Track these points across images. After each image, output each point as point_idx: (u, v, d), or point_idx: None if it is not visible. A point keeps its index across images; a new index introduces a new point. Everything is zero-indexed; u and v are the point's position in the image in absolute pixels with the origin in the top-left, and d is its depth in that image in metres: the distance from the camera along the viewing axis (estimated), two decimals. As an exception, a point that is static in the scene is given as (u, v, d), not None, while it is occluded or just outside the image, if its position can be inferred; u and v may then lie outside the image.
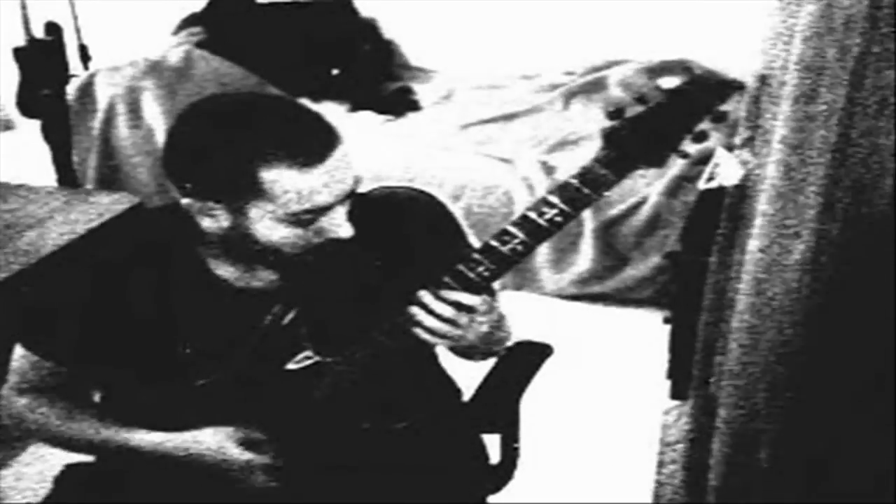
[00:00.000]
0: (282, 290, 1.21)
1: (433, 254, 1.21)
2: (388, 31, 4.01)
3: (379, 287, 1.22)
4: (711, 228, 1.75)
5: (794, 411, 1.48)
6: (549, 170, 3.04)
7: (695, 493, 1.85)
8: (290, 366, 1.20)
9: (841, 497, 1.49)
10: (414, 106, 3.62)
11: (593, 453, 2.24)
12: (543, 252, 2.96)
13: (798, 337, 1.43)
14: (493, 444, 1.44)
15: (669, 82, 1.11)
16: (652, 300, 2.86)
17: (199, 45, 3.66)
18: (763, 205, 1.40)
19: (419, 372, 1.35)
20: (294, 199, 1.08)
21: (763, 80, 1.53)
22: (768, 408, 1.50)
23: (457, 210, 1.34)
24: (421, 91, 3.74)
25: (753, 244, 1.44)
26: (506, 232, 1.11)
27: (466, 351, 1.27)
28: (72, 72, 3.38)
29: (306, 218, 1.10)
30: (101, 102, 3.37)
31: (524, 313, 1.32)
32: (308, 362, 1.20)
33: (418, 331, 1.15)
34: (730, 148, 1.72)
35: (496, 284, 1.25)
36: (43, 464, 2.10)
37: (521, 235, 1.11)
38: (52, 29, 3.25)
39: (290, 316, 1.20)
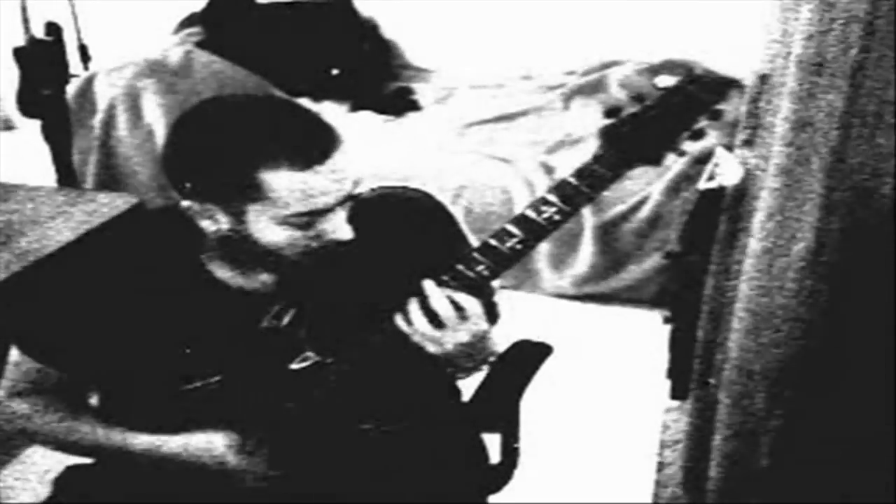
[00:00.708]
0: (281, 291, 1.21)
1: (433, 254, 1.20)
2: (388, 31, 4.01)
3: (378, 287, 1.22)
4: (711, 228, 1.75)
5: (794, 411, 1.48)
6: (549, 170, 3.04)
7: (695, 493, 1.85)
8: (290, 367, 1.20)
9: (841, 497, 1.49)
10: (414, 106, 3.62)
11: (593, 453, 2.24)
12: (543, 252, 2.96)
13: (798, 337, 1.43)
14: (493, 444, 1.44)
15: (666, 81, 1.11)
16: (652, 300, 2.86)
17: (199, 45, 3.66)
18: (763, 205, 1.40)
19: (419, 372, 1.34)
20: (294, 201, 1.08)
21: (763, 79, 1.53)
22: (768, 408, 1.50)
23: (457, 210, 1.34)
24: (421, 91, 3.74)
25: (753, 244, 1.43)
26: (504, 231, 1.11)
27: (445, 358, 1.22)
28: (72, 72, 3.38)
29: (306, 220, 1.10)
30: (101, 102, 3.37)
31: (524, 313, 1.31)
32: (307, 363, 1.20)
33: (401, 323, 1.14)
34: (730, 148, 1.72)
35: (496, 283, 1.25)
36: (43, 464, 2.10)
37: (519, 234, 1.11)
38: (52, 29, 3.25)
39: (288, 317, 1.20)
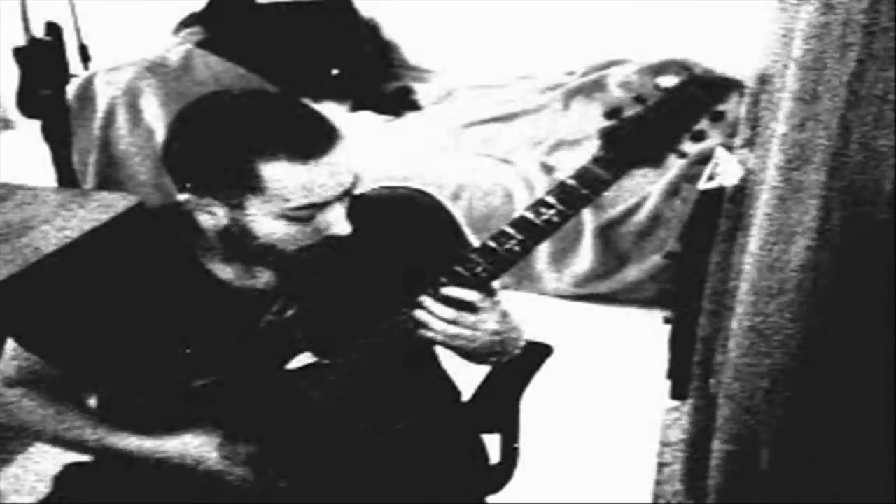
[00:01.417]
0: (279, 290, 1.21)
1: (433, 254, 1.20)
2: (388, 31, 4.01)
3: (378, 287, 1.22)
4: (711, 228, 1.75)
5: (794, 411, 1.48)
6: (549, 170, 3.04)
7: (695, 493, 1.85)
8: (289, 366, 1.20)
9: (841, 497, 1.49)
10: (414, 106, 3.62)
11: (593, 453, 2.24)
12: (543, 252, 2.96)
13: (798, 337, 1.43)
14: (493, 444, 1.44)
15: (667, 81, 1.11)
16: (652, 300, 2.86)
17: (199, 45, 3.66)
18: (763, 205, 1.40)
19: (418, 372, 1.34)
20: (293, 194, 1.08)
21: (763, 80, 1.53)
22: (768, 408, 1.50)
23: (457, 210, 1.34)
24: (421, 91, 3.74)
25: (753, 244, 1.43)
26: (503, 233, 1.11)
27: (479, 353, 1.21)
28: (72, 72, 3.38)
29: (305, 214, 1.10)
30: (101, 102, 3.36)
31: (524, 313, 1.31)
32: (306, 363, 1.20)
33: (429, 334, 1.14)
34: (730, 148, 1.72)
35: (496, 284, 1.25)
36: (43, 464, 2.10)
37: (518, 236, 1.11)
38: (52, 29, 3.25)
39: (287, 316, 1.20)
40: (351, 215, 1.15)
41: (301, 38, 3.75)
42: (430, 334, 1.15)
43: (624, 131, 1.10)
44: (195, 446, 1.22)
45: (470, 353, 1.21)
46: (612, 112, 1.10)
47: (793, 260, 1.38)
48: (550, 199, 1.10)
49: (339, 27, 3.84)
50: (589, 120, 3.30)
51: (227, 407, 1.22)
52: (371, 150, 3.11)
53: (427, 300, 1.13)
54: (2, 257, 2.11)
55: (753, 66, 1.58)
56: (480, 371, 1.42)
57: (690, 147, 1.13)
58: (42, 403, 1.27)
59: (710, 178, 1.71)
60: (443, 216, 1.32)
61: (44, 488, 1.35)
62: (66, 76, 3.33)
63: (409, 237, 1.27)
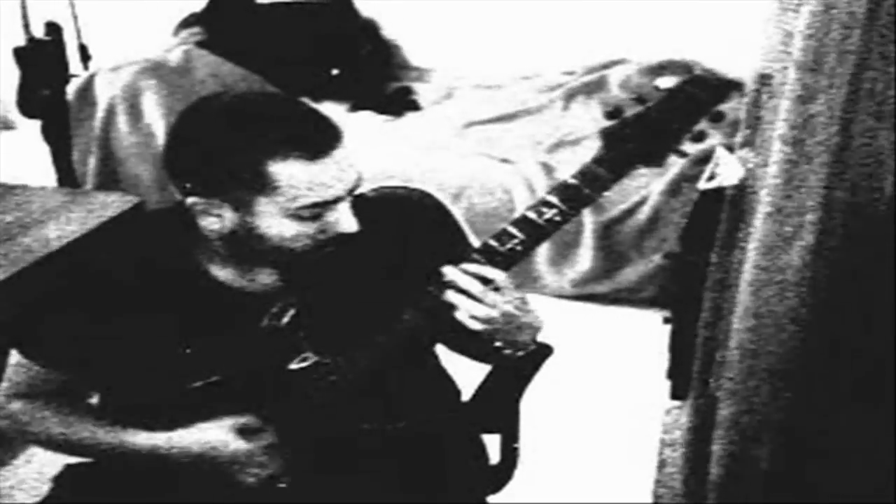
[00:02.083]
0: (280, 291, 1.21)
1: (433, 254, 1.20)
2: (388, 31, 4.01)
3: (378, 287, 1.22)
4: (711, 228, 1.75)
5: (794, 411, 1.48)
6: (549, 170, 3.04)
7: (695, 493, 1.85)
8: (290, 367, 1.20)
9: (841, 497, 1.49)
10: (414, 106, 3.61)
11: (593, 453, 2.24)
12: (543, 252, 2.96)
13: (798, 336, 1.43)
14: (493, 444, 1.44)
15: (667, 82, 1.11)
16: (652, 300, 2.86)
17: (199, 45, 3.66)
18: (763, 205, 1.40)
19: (419, 372, 1.34)
20: (302, 192, 1.08)
21: (763, 79, 1.53)
22: (768, 407, 1.50)
23: (457, 210, 1.34)
24: (421, 91, 3.74)
25: (753, 244, 1.44)
26: (505, 232, 1.11)
27: (498, 336, 1.18)
28: (72, 72, 3.38)
29: (313, 212, 1.10)
30: (101, 102, 3.36)
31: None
32: (307, 363, 1.20)
33: (455, 313, 1.11)
34: (730, 148, 1.72)
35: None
36: (43, 464, 2.10)
37: (520, 235, 1.11)
38: (52, 29, 3.25)
39: (288, 317, 1.20)
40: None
41: (301, 38, 3.75)
42: (456, 313, 1.11)
43: (624, 131, 1.10)
44: (217, 437, 1.20)
45: (483, 339, 1.18)
46: (613, 112, 1.10)
47: (793, 260, 1.38)
48: (552, 199, 1.10)
49: (339, 27, 3.84)
50: (589, 120, 3.30)
51: (229, 408, 1.21)
52: (371, 150, 3.11)
53: (450, 271, 1.11)
54: (1, 258, 2.11)
55: (753, 66, 1.59)
56: (480, 371, 1.42)
57: (690, 147, 1.13)
58: (49, 412, 1.27)
59: (710, 178, 1.71)
60: (443, 216, 1.32)
61: (44, 488, 1.35)
62: (66, 76, 3.33)
63: (409, 237, 1.27)
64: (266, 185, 1.08)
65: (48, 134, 3.33)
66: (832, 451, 1.48)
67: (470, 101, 3.63)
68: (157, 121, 3.31)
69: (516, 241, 1.11)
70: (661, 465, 2.14)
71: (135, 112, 3.35)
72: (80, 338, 1.21)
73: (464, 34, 3.84)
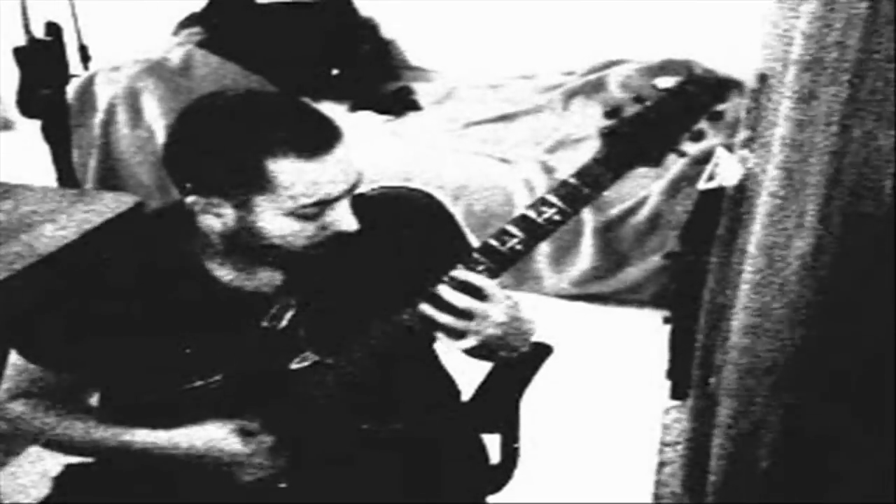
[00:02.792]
0: (280, 290, 1.21)
1: (433, 254, 1.20)
2: (388, 31, 4.01)
3: (377, 287, 1.22)
4: (711, 228, 1.75)
5: (794, 411, 1.48)
6: (549, 170, 3.04)
7: (695, 493, 1.85)
8: (290, 366, 1.20)
9: (841, 497, 1.49)
10: (414, 106, 3.62)
11: (593, 453, 2.24)
12: (543, 252, 2.96)
13: (798, 337, 1.43)
14: (493, 444, 1.44)
15: (667, 82, 1.12)
16: (652, 300, 2.86)
17: (199, 45, 3.66)
18: (763, 205, 1.40)
19: (419, 372, 1.34)
20: (302, 190, 1.08)
21: (763, 79, 1.53)
22: (768, 408, 1.50)
23: (457, 210, 1.34)
24: (421, 91, 3.74)
25: (753, 244, 1.44)
26: (505, 231, 1.11)
27: (486, 346, 1.18)
28: (72, 72, 3.38)
29: (313, 211, 1.10)
30: (101, 102, 3.36)
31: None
32: (307, 363, 1.20)
33: (438, 332, 1.12)
34: (730, 148, 1.72)
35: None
36: (43, 464, 2.10)
37: (519, 234, 1.11)
38: (52, 29, 3.25)
39: (288, 317, 1.20)
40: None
41: (301, 38, 3.75)
42: (439, 331, 1.12)
43: (624, 131, 1.10)
44: (219, 434, 1.20)
45: (478, 347, 1.18)
46: (612, 112, 1.10)
47: (793, 260, 1.38)
48: (552, 198, 1.10)
49: (338, 27, 3.84)
50: (589, 120, 3.30)
51: (229, 407, 1.21)
52: (371, 150, 3.11)
53: (440, 287, 1.11)
54: (2, 257, 2.11)
55: (753, 66, 1.59)
56: (480, 371, 1.42)
57: (690, 147, 1.13)
58: (49, 412, 1.27)
59: (710, 178, 1.71)
60: (442, 216, 1.32)
61: (44, 488, 1.35)
62: (66, 76, 3.33)
63: (408, 237, 1.27)
64: (266, 184, 1.08)
65: (48, 134, 3.32)
66: (832, 452, 1.48)
67: (470, 101, 3.63)
68: (157, 121, 3.31)
69: (516, 240, 1.11)
70: (661, 465, 2.14)
71: (135, 112, 3.35)
72: (79, 338, 1.21)
73: (464, 34, 3.85)
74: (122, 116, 3.35)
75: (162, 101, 3.33)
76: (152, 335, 1.19)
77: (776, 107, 1.40)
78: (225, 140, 1.09)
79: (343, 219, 1.13)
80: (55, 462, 1.37)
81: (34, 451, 2.16)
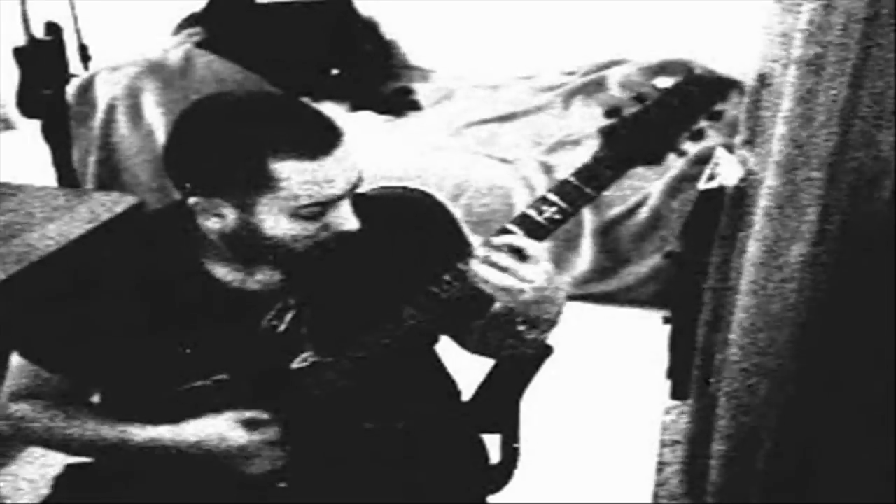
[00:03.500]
0: (281, 290, 1.21)
1: (432, 254, 1.20)
2: (388, 31, 4.01)
3: (377, 287, 1.22)
4: (711, 228, 1.75)
5: (794, 411, 1.48)
6: (549, 170, 3.04)
7: (695, 493, 1.85)
8: (291, 366, 1.20)
9: (840, 497, 1.49)
10: (414, 106, 3.62)
11: (593, 453, 2.24)
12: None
13: (798, 337, 1.43)
14: (493, 444, 1.44)
15: (666, 81, 1.11)
16: (652, 300, 2.86)
17: (199, 45, 3.66)
18: (763, 205, 1.40)
19: (419, 372, 1.35)
20: (303, 191, 1.08)
21: (763, 79, 1.53)
22: (768, 408, 1.50)
23: (457, 210, 1.34)
24: (421, 91, 3.74)
25: (753, 244, 1.44)
26: (505, 230, 1.11)
27: (520, 316, 1.15)
28: (72, 72, 3.39)
29: (314, 211, 1.10)
30: (101, 102, 3.36)
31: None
32: (308, 362, 1.20)
33: (483, 286, 1.08)
34: (730, 148, 1.72)
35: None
36: (43, 464, 2.10)
37: (520, 233, 1.11)
38: (52, 29, 3.25)
39: (289, 317, 1.20)
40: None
41: (301, 38, 3.75)
42: (485, 286, 1.08)
43: (624, 130, 1.10)
44: (224, 427, 1.20)
45: (503, 323, 1.15)
46: (612, 111, 1.10)
47: (793, 260, 1.38)
48: (552, 197, 1.10)
49: (339, 27, 3.84)
50: (589, 120, 3.30)
51: (230, 407, 1.21)
52: (371, 150, 3.11)
53: (481, 249, 1.08)
54: (1, 258, 2.11)
55: (753, 66, 1.59)
56: (480, 371, 1.42)
57: (690, 146, 1.13)
58: (50, 412, 1.26)
59: (710, 178, 1.71)
60: (442, 216, 1.32)
61: (44, 488, 1.35)
62: (66, 76, 3.33)
63: (408, 237, 1.27)
64: (267, 185, 1.08)
65: (48, 134, 3.33)
66: (831, 452, 1.48)
67: (470, 101, 3.63)
68: (157, 121, 3.31)
69: (517, 239, 1.10)
70: (661, 465, 2.14)
71: (135, 112, 3.35)
72: (79, 339, 1.21)
73: (463, 34, 3.85)
74: (122, 116, 3.35)
75: (162, 101, 3.33)
76: (153, 336, 1.19)
77: (776, 106, 1.40)
78: (226, 141, 1.09)
79: (344, 219, 1.13)
80: (55, 462, 1.37)
81: (34, 451, 2.16)
